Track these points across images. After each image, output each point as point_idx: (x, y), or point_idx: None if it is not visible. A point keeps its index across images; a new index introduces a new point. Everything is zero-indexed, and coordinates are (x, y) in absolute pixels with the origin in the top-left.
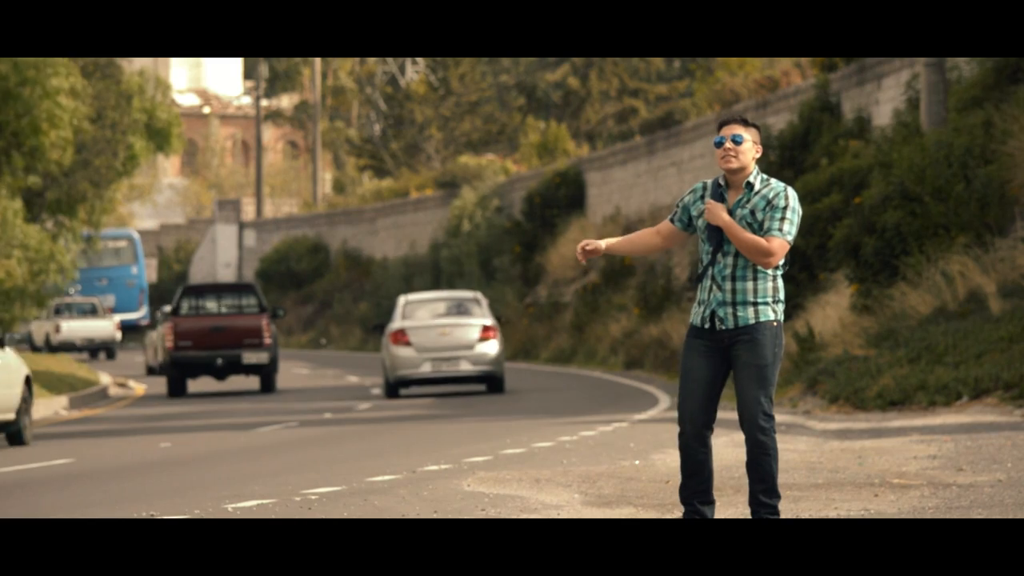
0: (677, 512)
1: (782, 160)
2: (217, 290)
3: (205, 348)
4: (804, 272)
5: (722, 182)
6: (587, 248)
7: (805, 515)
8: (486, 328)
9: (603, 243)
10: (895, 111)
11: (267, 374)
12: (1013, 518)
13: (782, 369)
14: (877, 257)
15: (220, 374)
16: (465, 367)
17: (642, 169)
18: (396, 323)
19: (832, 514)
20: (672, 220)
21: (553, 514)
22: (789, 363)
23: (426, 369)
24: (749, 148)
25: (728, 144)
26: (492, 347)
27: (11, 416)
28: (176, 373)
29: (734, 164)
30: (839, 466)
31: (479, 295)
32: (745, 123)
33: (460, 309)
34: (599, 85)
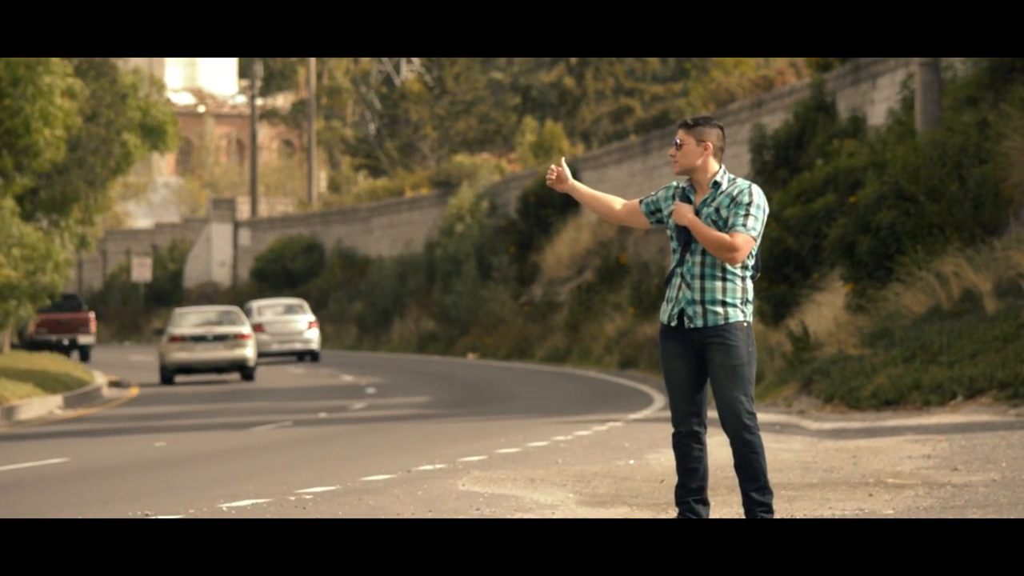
0: (672, 512)
1: (777, 159)
2: None
3: (55, 332)
4: (799, 272)
5: (685, 184)
6: (560, 169)
7: (800, 515)
8: (310, 322)
9: (571, 180)
10: (890, 111)
11: (88, 350)
12: (1008, 518)
13: (777, 368)
14: (872, 256)
15: (65, 351)
16: (298, 346)
17: (637, 168)
18: (254, 319)
19: (827, 514)
20: (641, 201)
21: (548, 513)
22: (784, 362)
23: (275, 347)
24: (691, 150)
25: (671, 150)
26: (314, 334)
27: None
28: (35, 348)
29: (676, 168)
30: (834, 466)
31: (303, 302)
32: (688, 126)
33: (292, 310)
34: (595, 85)
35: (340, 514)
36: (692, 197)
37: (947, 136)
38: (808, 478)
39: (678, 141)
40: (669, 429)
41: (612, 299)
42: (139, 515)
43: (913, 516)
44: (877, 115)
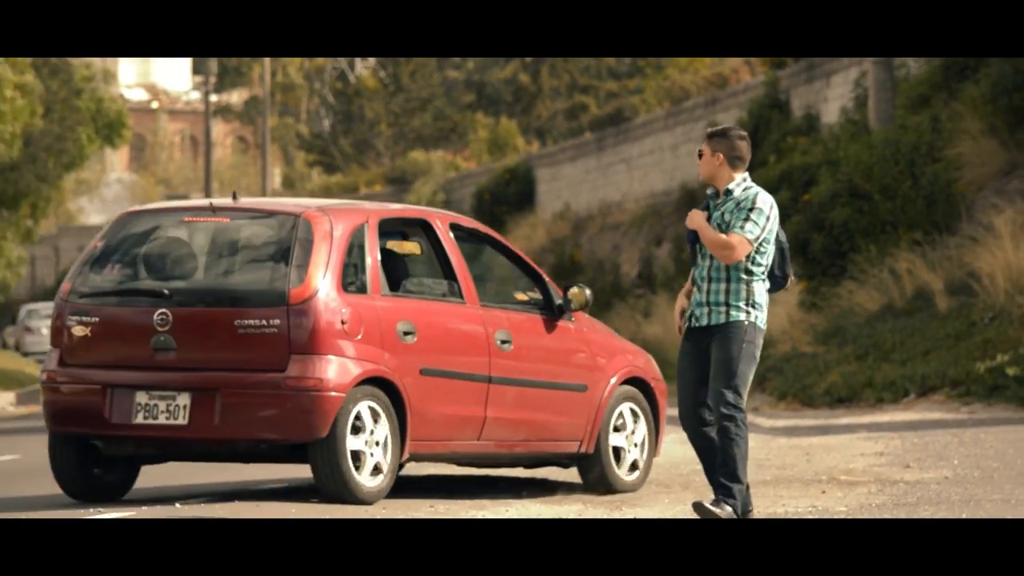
0: (627, 510)
1: None
2: None
3: None
4: None
5: (711, 192)
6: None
7: (753, 512)
8: None
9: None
10: (843, 109)
11: None
12: (959, 517)
13: None
14: (825, 254)
15: None
16: None
17: (592, 166)
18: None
19: (780, 511)
20: None
21: (502, 511)
22: None
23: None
24: (707, 160)
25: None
26: None
27: None
28: None
29: (700, 175)
30: (787, 463)
31: None
32: (708, 136)
33: None
34: (550, 82)
35: (293, 512)
36: (712, 204)
37: (900, 134)
38: (762, 475)
39: (700, 151)
40: None
41: None
42: (90, 513)
43: (866, 513)
44: (831, 113)
